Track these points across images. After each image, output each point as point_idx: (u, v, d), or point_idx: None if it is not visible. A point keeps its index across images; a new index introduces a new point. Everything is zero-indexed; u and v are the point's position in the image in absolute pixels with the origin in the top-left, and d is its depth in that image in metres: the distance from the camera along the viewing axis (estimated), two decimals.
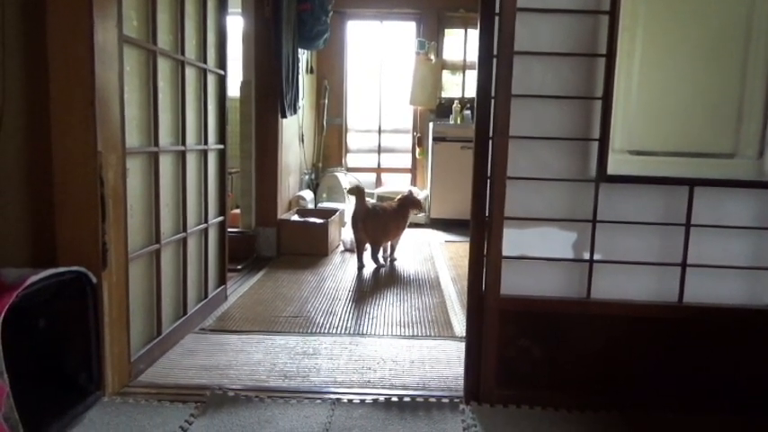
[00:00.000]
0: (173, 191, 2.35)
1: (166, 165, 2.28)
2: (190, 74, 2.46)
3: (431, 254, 4.30)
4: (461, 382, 1.97)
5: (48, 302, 1.70)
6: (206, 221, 2.70)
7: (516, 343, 1.91)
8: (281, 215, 4.27)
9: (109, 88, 1.82)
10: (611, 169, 1.84)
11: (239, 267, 3.67)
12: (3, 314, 1.36)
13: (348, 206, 5.39)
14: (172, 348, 2.29)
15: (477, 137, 1.86)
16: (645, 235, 1.88)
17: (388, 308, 2.93)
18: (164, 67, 2.23)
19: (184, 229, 2.44)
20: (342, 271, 3.73)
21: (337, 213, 4.52)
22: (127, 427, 1.67)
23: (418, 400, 1.90)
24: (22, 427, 1.41)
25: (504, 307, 1.88)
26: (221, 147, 2.88)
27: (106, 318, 1.81)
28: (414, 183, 6.33)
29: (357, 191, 3.82)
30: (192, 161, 2.52)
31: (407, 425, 1.75)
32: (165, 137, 2.26)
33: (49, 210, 1.79)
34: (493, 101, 1.82)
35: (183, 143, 2.41)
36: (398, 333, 2.57)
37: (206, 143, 2.67)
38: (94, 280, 1.74)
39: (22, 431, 1.41)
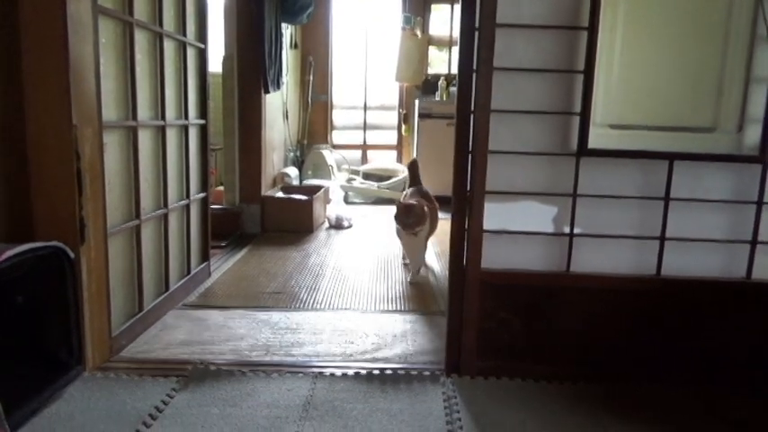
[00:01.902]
0: (153, 166, 2.32)
1: (146, 139, 2.24)
2: (168, 47, 2.42)
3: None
4: (443, 355, 1.99)
5: (25, 278, 1.68)
6: (188, 197, 2.68)
7: (497, 316, 1.92)
8: (266, 192, 4.24)
9: (84, 60, 1.78)
10: (592, 143, 1.84)
11: (223, 244, 3.65)
12: None
13: (333, 183, 5.38)
14: (154, 324, 2.28)
15: (459, 111, 1.85)
16: (624, 209, 1.89)
17: (372, 283, 2.94)
18: (141, 39, 2.18)
19: (165, 205, 2.42)
20: (327, 248, 3.73)
21: (322, 190, 4.50)
22: (108, 401, 1.68)
23: (400, 372, 1.91)
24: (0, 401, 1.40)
25: (485, 280, 1.89)
26: (203, 122, 2.85)
27: (85, 293, 1.80)
28: (399, 160, 6.32)
29: (412, 164, 3.52)
30: (172, 136, 2.49)
31: (388, 397, 1.77)
32: (144, 111, 2.22)
33: (25, 185, 1.76)
34: (475, 74, 1.81)
35: (163, 118, 2.37)
36: (382, 308, 2.58)
37: (186, 118, 2.64)
38: (72, 255, 1.72)
39: None
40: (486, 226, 1.87)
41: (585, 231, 1.90)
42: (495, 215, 1.88)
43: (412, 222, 2.83)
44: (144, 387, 1.77)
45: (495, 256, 1.90)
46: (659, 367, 1.93)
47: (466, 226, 1.88)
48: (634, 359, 1.93)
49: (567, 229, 1.90)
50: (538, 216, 1.91)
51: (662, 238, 1.89)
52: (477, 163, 1.82)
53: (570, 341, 1.93)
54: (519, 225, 1.90)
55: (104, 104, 1.90)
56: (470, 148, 1.85)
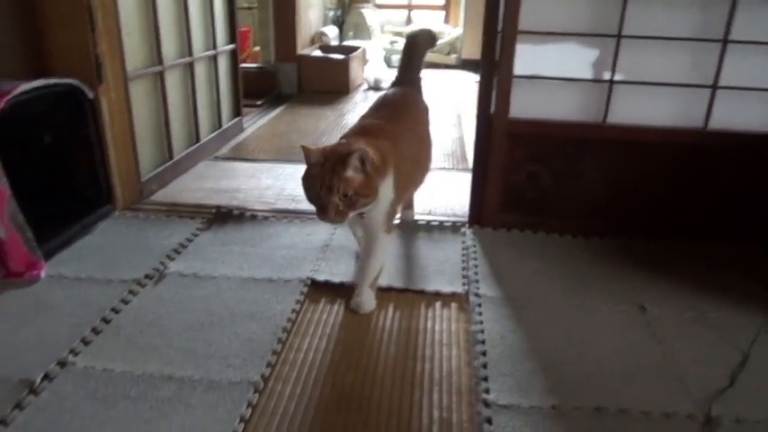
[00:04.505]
0: (173, 9, 2.23)
1: None
2: None
3: (457, 95, 4.13)
4: (467, 210, 1.95)
5: (47, 116, 1.69)
6: (215, 48, 2.60)
7: (524, 168, 1.84)
8: (302, 50, 4.10)
9: None
10: None
11: (258, 103, 3.61)
12: None
13: (372, 44, 5.14)
14: (184, 173, 2.32)
15: None
16: (674, 53, 1.70)
17: None
18: None
19: (190, 54, 2.36)
20: (363, 108, 3.62)
21: (360, 50, 4.32)
22: (135, 237, 1.75)
23: (421, 223, 1.90)
24: (29, 229, 1.47)
25: (513, 130, 1.79)
26: None
27: (108, 134, 1.81)
28: (447, 21, 5.94)
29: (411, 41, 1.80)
30: None
31: (407, 243, 1.77)
32: None
33: (41, 22, 1.71)
34: None
35: None
36: None
37: None
38: (91, 95, 1.71)
39: (30, 233, 1.47)
40: (517, 71, 1.73)
41: (628, 78, 1.74)
42: (527, 59, 1.73)
43: (340, 205, 1.23)
44: (171, 226, 1.82)
45: (525, 105, 1.78)
46: (700, 224, 1.83)
47: (494, 71, 1.75)
48: (670, 215, 1.84)
49: (607, 76, 1.74)
50: (575, 60, 1.74)
51: (714, 87, 1.71)
52: None
53: (601, 196, 1.85)
54: (553, 70, 1.75)
55: None
56: None
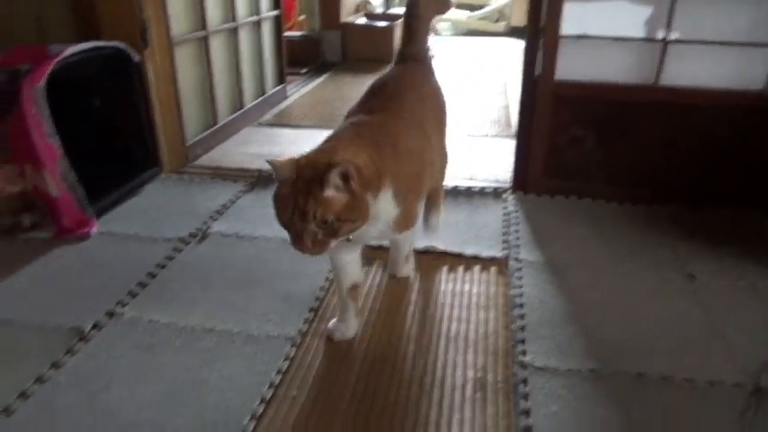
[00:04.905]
0: None
1: None
2: None
3: (505, 63, 4.03)
4: (510, 176, 1.91)
5: (95, 79, 1.74)
6: (258, 14, 2.60)
7: (570, 132, 1.79)
8: (347, 18, 4.06)
9: None
10: None
11: (303, 71, 3.61)
12: (44, 79, 1.41)
13: None
14: (228, 138, 2.36)
15: None
16: (734, 9, 1.60)
17: (451, 109, 2.82)
18: None
19: (234, 19, 2.37)
20: None
21: None
22: (182, 198, 1.79)
23: (461, 189, 1.87)
24: (81, 188, 1.53)
25: (559, 92, 1.73)
26: None
27: (154, 98, 1.85)
28: None
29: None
30: None
31: (446, 208, 1.75)
32: None
33: None
34: None
35: None
36: (457, 132, 2.49)
37: None
38: (137, 58, 1.74)
39: (81, 192, 1.53)
40: (564, 30, 1.67)
41: (683, 37, 1.65)
42: (575, 17, 1.66)
43: (318, 233, 0.95)
44: (215, 188, 1.87)
45: (571, 67, 1.71)
46: (754, 193, 1.74)
47: (541, 31, 1.69)
48: (723, 182, 1.75)
49: (660, 34, 1.65)
50: (626, 18, 1.66)
51: None
52: None
53: (650, 162, 1.77)
54: (603, 29, 1.68)
55: None
56: None
